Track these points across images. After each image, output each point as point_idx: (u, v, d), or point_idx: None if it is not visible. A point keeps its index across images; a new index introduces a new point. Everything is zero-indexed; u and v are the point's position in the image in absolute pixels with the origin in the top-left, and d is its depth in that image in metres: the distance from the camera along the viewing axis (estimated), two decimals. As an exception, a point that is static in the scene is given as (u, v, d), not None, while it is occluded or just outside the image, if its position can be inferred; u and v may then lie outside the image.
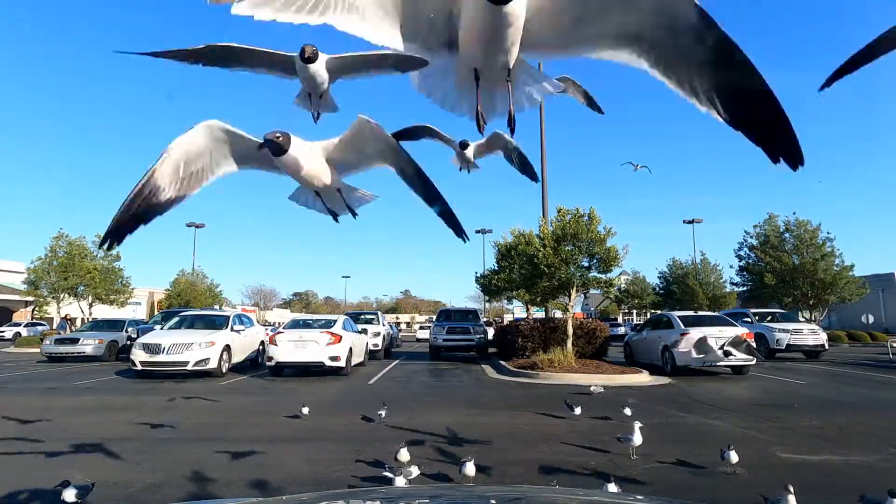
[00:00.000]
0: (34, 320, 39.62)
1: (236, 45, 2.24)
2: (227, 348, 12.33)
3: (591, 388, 8.59)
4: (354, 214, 2.59)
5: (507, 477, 4.22)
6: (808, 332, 16.95)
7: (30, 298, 33.13)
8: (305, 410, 6.62)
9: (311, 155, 2.19)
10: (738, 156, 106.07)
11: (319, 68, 2.26)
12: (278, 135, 2.10)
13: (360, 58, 2.29)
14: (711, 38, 1.37)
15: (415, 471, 3.68)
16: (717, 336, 11.74)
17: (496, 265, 21.30)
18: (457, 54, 1.73)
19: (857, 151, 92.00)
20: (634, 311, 54.05)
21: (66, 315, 26.35)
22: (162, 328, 13.66)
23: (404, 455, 4.16)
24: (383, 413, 6.24)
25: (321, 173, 2.27)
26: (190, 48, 2.28)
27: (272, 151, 2.12)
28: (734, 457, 4.19)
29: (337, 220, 2.62)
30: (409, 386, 10.59)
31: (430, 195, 2.33)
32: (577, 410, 6.46)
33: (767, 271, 25.38)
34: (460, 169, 3.46)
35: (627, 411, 6.00)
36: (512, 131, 2.04)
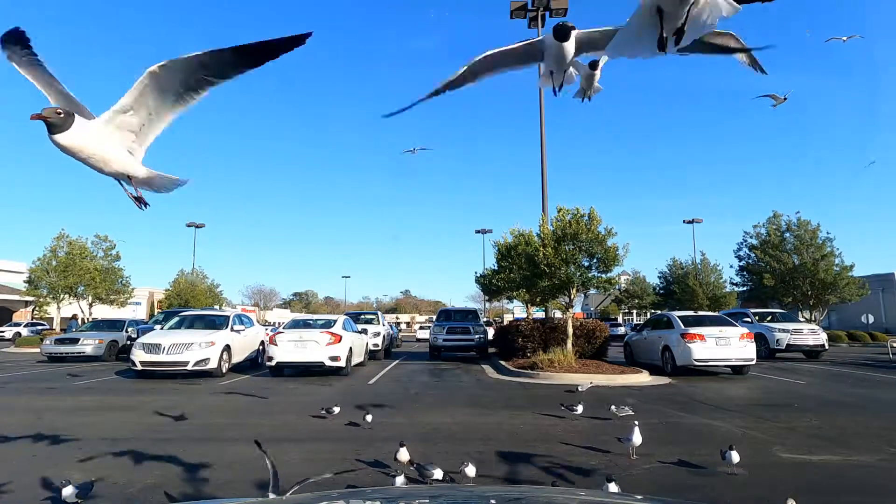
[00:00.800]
0: (34, 320, 39.62)
1: (491, 52, 2.32)
2: (227, 348, 12.32)
3: (579, 388, 8.87)
4: (143, 204, 2.15)
5: (508, 477, 4.22)
6: (808, 332, 16.95)
7: (30, 298, 33.14)
8: (336, 410, 6.56)
9: (93, 137, 1.80)
10: (738, 156, 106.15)
11: (571, 44, 2.32)
12: (59, 111, 1.71)
13: (605, 32, 2.30)
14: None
15: (437, 473, 3.72)
16: (718, 336, 11.77)
17: (496, 265, 21.28)
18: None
19: (857, 151, 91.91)
20: (634, 311, 54.09)
21: (74, 315, 26.45)
22: (162, 328, 13.66)
23: (404, 455, 4.16)
24: (369, 418, 6.19)
25: (108, 158, 1.87)
26: (446, 82, 2.42)
27: (47, 129, 1.72)
28: (735, 457, 4.18)
29: (142, 208, 2.19)
30: (410, 386, 10.58)
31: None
32: (580, 409, 6.48)
33: (767, 271, 25.40)
34: (583, 99, 3.30)
35: (613, 408, 6.08)
36: (677, 42, 2.05)
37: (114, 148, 1.84)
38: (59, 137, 1.73)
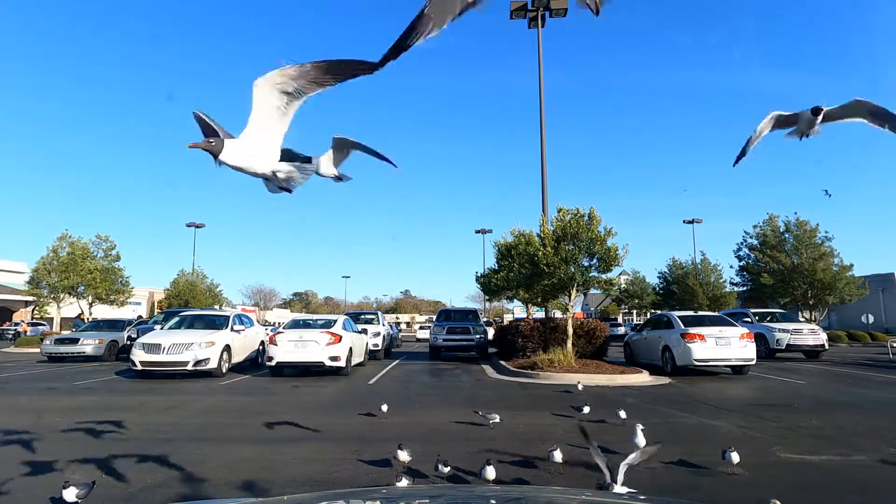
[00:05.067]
0: (34, 320, 39.63)
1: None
2: (227, 348, 12.32)
3: (579, 387, 9.30)
4: (288, 190, 2.62)
5: (508, 477, 4.22)
6: (808, 332, 16.95)
7: (30, 298, 33.16)
8: (384, 408, 6.73)
9: (237, 152, 2.34)
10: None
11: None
12: (211, 141, 2.30)
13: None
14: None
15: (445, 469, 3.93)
16: (718, 336, 11.77)
17: (496, 265, 21.29)
18: None
19: (857, 151, 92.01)
20: (634, 311, 54.06)
21: (80, 314, 26.55)
22: (162, 328, 13.66)
23: (404, 456, 4.18)
24: (385, 408, 6.66)
25: (252, 165, 2.41)
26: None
27: (212, 155, 2.29)
28: (735, 457, 4.19)
29: (290, 192, 2.68)
30: (410, 386, 10.58)
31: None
32: (586, 409, 6.53)
33: (766, 271, 25.39)
34: (800, 137, 3.47)
35: (623, 413, 6.19)
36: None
37: (254, 156, 2.36)
38: (220, 157, 2.30)
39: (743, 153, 3.59)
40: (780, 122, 3.49)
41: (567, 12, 18.22)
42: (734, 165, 3.63)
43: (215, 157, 2.30)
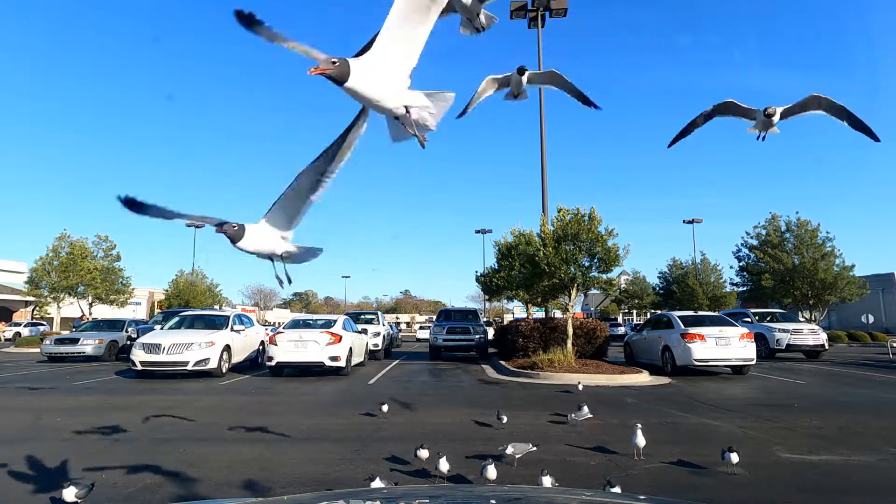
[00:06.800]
0: (34, 320, 39.64)
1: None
2: (227, 348, 12.32)
3: (579, 387, 9.33)
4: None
5: (508, 477, 4.22)
6: (808, 332, 16.94)
7: (30, 298, 33.19)
8: (385, 408, 6.75)
9: (368, 76, 1.96)
10: (738, 156, 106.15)
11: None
12: (334, 61, 1.79)
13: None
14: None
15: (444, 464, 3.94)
16: (718, 336, 11.77)
17: (496, 265, 21.29)
18: None
19: (858, 151, 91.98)
20: (634, 311, 54.06)
21: (83, 315, 26.57)
22: (162, 328, 13.66)
23: (423, 453, 4.33)
24: (385, 408, 6.70)
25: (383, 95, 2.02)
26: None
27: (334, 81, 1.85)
28: (735, 457, 4.18)
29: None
30: (410, 386, 10.58)
31: None
32: (585, 408, 6.52)
33: (766, 271, 25.37)
34: (757, 138, 3.64)
35: (573, 416, 6.12)
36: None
37: (384, 82, 1.94)
38: (347, 84, 1.81)
39: (683, 134, 3.79)
40: (730, 111, 3.59)
41: (567, 12, 18.21)
42: (669, 146, 3.88)
43: (339, 82, 1.86)
